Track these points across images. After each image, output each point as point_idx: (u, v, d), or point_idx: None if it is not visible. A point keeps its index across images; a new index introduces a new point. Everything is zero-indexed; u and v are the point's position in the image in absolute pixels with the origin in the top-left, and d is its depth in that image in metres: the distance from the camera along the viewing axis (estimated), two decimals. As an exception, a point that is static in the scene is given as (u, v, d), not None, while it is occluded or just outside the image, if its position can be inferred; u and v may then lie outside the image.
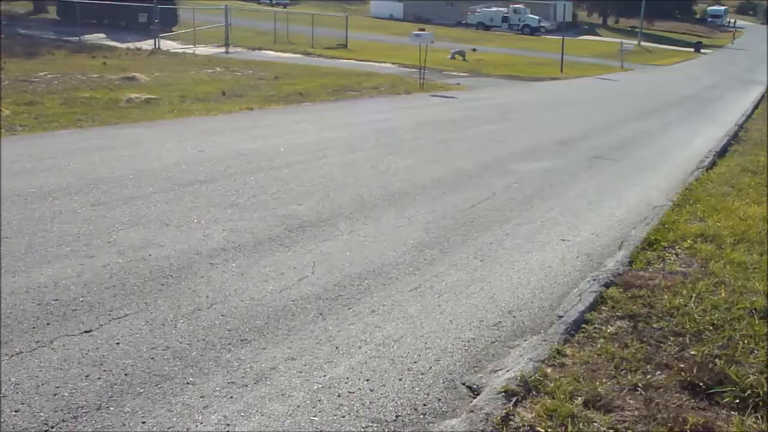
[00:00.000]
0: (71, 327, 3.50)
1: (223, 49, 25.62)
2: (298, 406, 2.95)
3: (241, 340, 3.49)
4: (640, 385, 3.13)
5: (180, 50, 23.91)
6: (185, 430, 2.76)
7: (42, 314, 3.61)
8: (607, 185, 7.67)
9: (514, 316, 4.04)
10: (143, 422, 2.78)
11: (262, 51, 26.31)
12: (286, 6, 55.22)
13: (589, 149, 9.85)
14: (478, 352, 3.57)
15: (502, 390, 3.02)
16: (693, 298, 4.10)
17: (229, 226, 5.25)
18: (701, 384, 3.13)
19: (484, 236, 5.50)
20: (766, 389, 3.08)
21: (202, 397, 2.98)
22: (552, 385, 3.08)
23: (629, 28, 67.53)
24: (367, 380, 3.20)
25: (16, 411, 2.79)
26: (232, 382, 3.11)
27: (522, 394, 3.02)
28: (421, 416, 2.97)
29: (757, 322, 3.80)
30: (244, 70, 18.90)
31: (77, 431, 2.71)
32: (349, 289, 4.25)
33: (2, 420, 2.72)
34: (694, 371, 3.21)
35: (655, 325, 3.76)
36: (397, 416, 2.94)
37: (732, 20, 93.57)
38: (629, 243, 5.31)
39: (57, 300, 3.79)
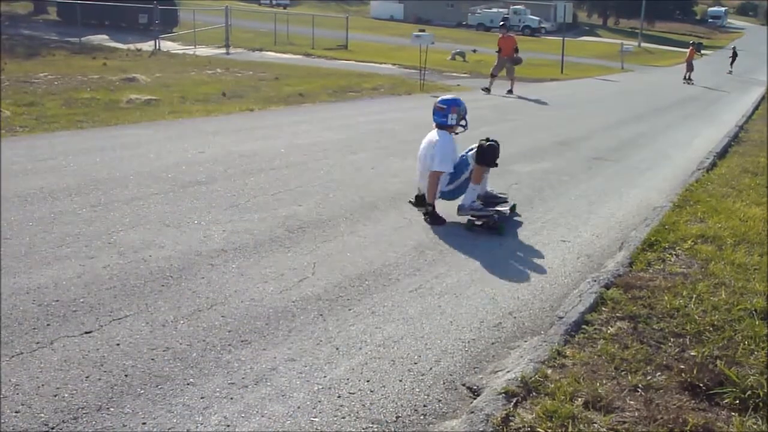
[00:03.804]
0: (71, 328, 3.50)
1: (223, 50, 25.64)
2: (299, 407, 2.96)
3: (242, 341, 3.49)
4: (640, 386, 3.13)
5: (180, 51, 23.93)
6: (185, 430, 2.76)
7: (42, 315, 3.61)
8: (607, 186, 7.67)
9: (515, 317, 4.04)
10: (143, 423, 2.78)
11: (263, 52, 26.32)
12: (287, 7, 55.32)
13: (589, 150, 9.86)
14: (478, 353, 3.57)
15: (503, 391, 3.03)
16: (693, 299, 4.11)
17: (230, 227, 5.26)
18: (701, 385, 3.13)
19: (484, 237, 5.49)
20: (766, 390, 3.08)
21: (202, 397, 2.98)
22: (552, 386, 3.08)
23: (629, 29, 67.55)
24: (368, 381, 3.21)
25: (16, 412, 2.80)
26: (233, 383, 3.11)
27: (522, 395, 3.02)
28: (422, 417, 2.97)
29: (757, 323, 3.81)
30: (245, 71, 18.92)
31: (77, 432, 2.71)
32: (350, 290, 4.25)
33: (3, 421, 2.72)
34: (695, 372, 3.21)
35: (655, 326, 3.77)
36: (397, 417, 2.94)
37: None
38: (629, 244, 5.32)
39: (57, 301, 3.79)
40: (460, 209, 5.80)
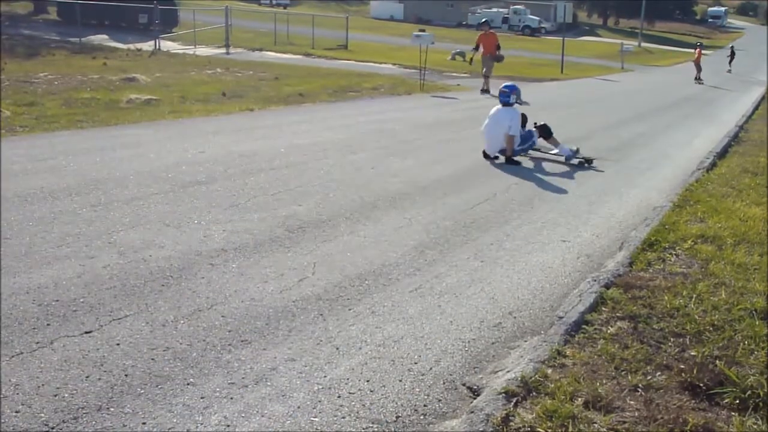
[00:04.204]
0: (71, 328, 3.50)
1: (223, 50, 25.64)
2: (299, 407, 2.96)
3: (242, 341, 3.49)
4: (640, 385, 3.13)
5: (180, 51, 23.93)
6: (185, 430, 2.76)
7: (42, 315, 3.61)
8: (607, 186, 7.67)
9: (515, 317, 4.04)
10: (143, 423, 2.78)
11: (263, 52, 26.32)
12: (287, 7, 55.30)
13: (589, 150, 9.84)
14: (478, 353, 3.57)
15: (503, 391, 3.03)
16: (693, 299, 4.11)
17: (230, 227, 5.25)
18: (701, 385, 3.13)
19: (484, 237, 5.50)
20: (766, 390, 3.08)
21: (202, 397, 2.98)
22: (552, 385, 3.08)
23: (629, 29, 67.53)
24: (368, 381, 3.21)
25: (16, 412, 2.79)
26: (233, 383, 3.11)
27: (522, 395, 3.02)
28: (422, 417, 2.97)
29: (757, 323, 3.81)
30: (245, 70, 18.92)
31: (77, 432, 2.71)
32: (350, 289, 4.25)
33: (3, 421, 2.72)
34: (695, 372, 3.21)
35: (655, 326, 3.77)
36: (397, 417, 2.94)
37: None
38: (629, 244, 5.32)
39: (57, 301, 3.79)
40: (567, 159, 8.69)
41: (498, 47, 17.36)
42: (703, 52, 28.24)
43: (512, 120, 8.38)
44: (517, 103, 8.75)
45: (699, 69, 27.01)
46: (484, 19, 18.67)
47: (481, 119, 12.31)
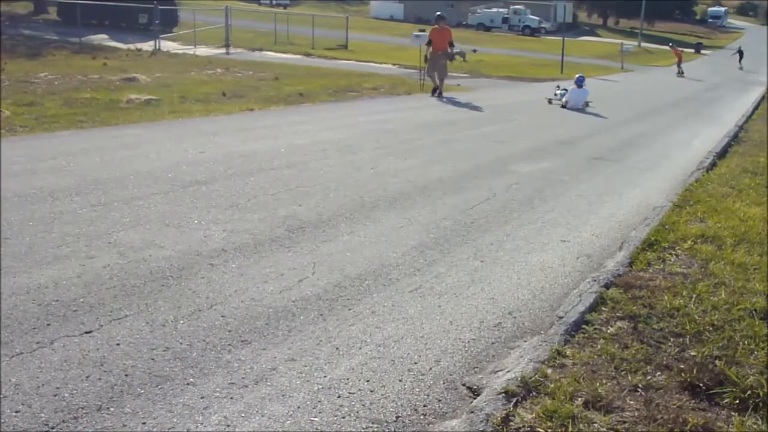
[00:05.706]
0: (71, 328, 3.50)
1: (223, 50, 25.65)
2: (299, 407, 2.96)
3: (242, 341, 3.49)
4: (640, 385, 3.13)
5: (180, 51, 23.95)
6: (185, 430, 2.76)
7: (42, 315, 3.61)
8: (607, 186, 7.67)
9: (515, 317, 4.04)
10: (143, 423, 2.78)
11: (263, 52, 26.33)
12: (287, 7, 55.36)
13: (590, 150, 9.86)
14: (478, 353, 3.57)
15: (503, 391, 3.03)
16: (693, 299, 4.11)
17: (230, 227, 5.26)
18: (701, 385, 3.13)
19: (484, 237, 5.50)
20: (766, 390, 3.08)
21: (202, 397, 2.98)
22: (552, 385, 3.08)
23: (629, 29, 67.54)
24: (368, 381, 3.21)
25: (16, 412, 2.80)
26: (233, 383, 3.11)
27: (522, 395, 3.02)
28: (422, 417, 2.97)
29: (757, 323, 3.81)
30: (245, 70, 18.92)
31: (77, 432, 2.71)
32: (350, 289, 4.25)
33: (3, 421, 2.73)
34: (694, 372, 3.21)
35: (655, 326, 3.77)
36: (397, 417, 2.94)
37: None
38: (629, 244, 5.32)
39: (57, 301, 3.79)
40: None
41: (451, 44, 15.55)
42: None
43: (585, 95, 15.19)
44: (584, 85, 15.38)
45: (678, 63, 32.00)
46: (438, 12, 16.19)
47: (480, 118, 12.39)
